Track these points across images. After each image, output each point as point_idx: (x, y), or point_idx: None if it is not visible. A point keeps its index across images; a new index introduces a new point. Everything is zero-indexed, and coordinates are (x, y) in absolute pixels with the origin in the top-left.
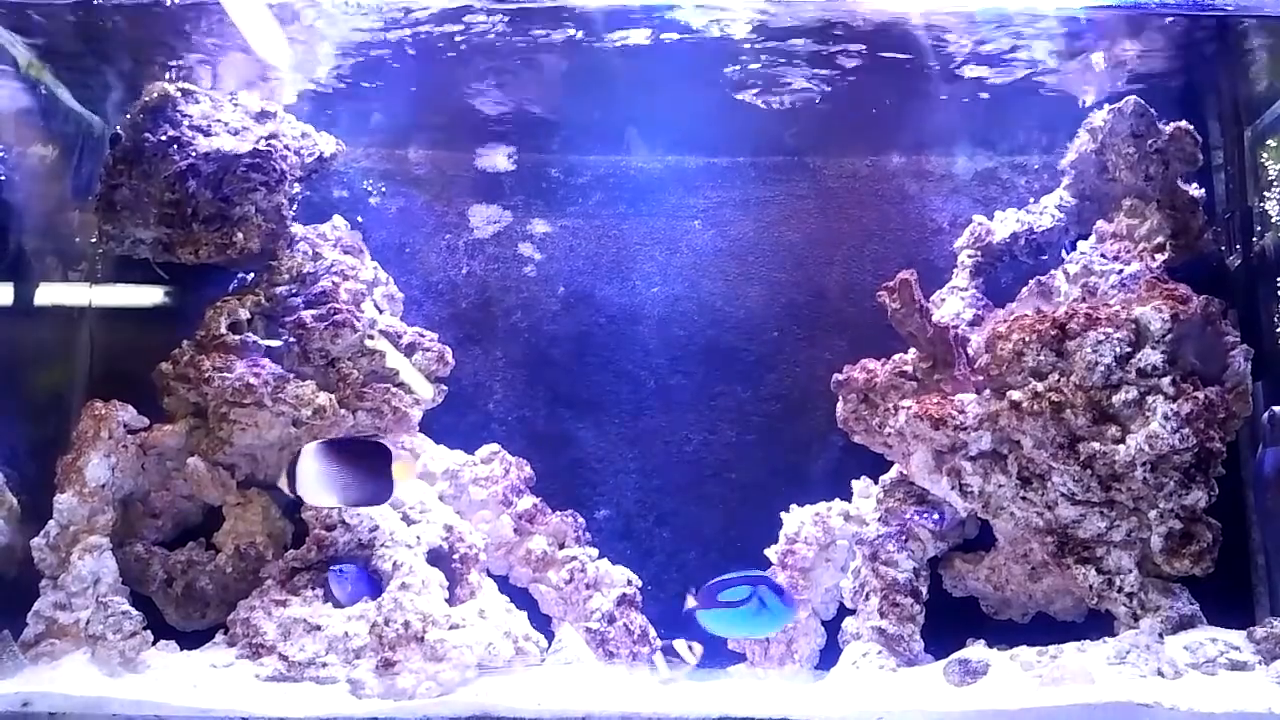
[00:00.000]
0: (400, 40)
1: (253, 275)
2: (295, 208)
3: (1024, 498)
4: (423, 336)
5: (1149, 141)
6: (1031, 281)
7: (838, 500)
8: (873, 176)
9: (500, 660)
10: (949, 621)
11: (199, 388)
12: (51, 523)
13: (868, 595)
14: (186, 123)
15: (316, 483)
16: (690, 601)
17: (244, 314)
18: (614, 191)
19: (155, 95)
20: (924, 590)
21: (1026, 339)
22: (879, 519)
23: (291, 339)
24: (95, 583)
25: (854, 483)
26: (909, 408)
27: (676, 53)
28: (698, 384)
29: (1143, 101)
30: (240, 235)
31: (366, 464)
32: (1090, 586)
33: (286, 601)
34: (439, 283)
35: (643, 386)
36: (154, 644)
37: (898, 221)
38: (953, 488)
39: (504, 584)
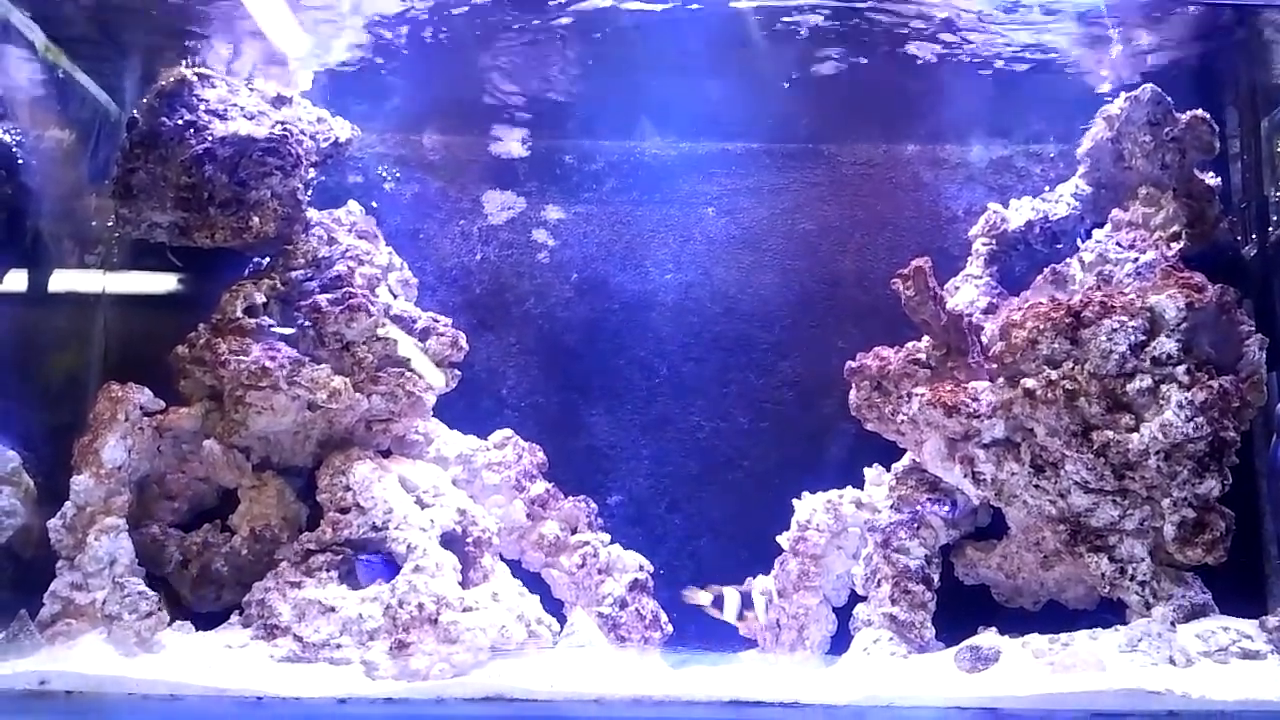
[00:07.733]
0: (416, 24)
1: (268, 259)
2: (310, 192)
3: (1037, 486)
4: (437, 322)
5: (1165, 130)
6: (1046, 270)
7: (850, 488)
8: (887, 164)
9: (513, 643)
10: (960, 609)
11: (215, 371)
12: (68, 504)
13: (879, 582)
14: (203, 107)
15: None
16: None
17: (259, 298)
18: (628, 178)
19: (171, 80)
20: (936, 578)
21: (1041, 327)
22: (891, 506)
23: (306, 323)
24: (111, 564)
25: (866, 470)
26: (922, 395)
27: (691, 29)
28: (711, 371)
29: (1159, 89)
30: (256, 220)
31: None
32: (1103, 575)
33: (301, 583)
34: (453, 268)
35: (656, 373)
36: (169, 625)
37: (912, 209)
38: (965, 475)
39: (517, 568)
